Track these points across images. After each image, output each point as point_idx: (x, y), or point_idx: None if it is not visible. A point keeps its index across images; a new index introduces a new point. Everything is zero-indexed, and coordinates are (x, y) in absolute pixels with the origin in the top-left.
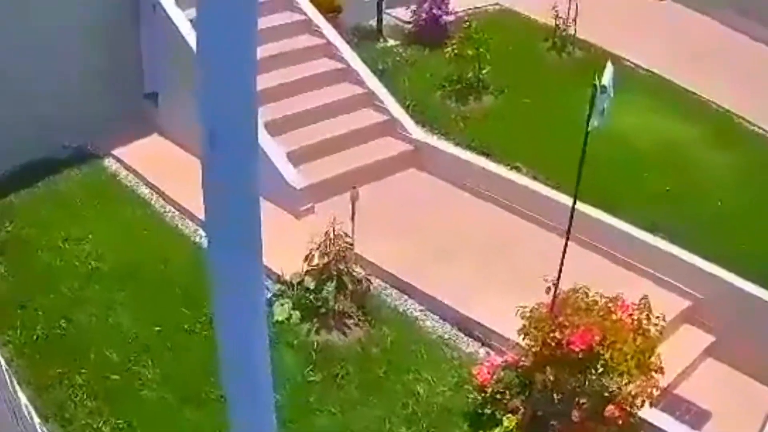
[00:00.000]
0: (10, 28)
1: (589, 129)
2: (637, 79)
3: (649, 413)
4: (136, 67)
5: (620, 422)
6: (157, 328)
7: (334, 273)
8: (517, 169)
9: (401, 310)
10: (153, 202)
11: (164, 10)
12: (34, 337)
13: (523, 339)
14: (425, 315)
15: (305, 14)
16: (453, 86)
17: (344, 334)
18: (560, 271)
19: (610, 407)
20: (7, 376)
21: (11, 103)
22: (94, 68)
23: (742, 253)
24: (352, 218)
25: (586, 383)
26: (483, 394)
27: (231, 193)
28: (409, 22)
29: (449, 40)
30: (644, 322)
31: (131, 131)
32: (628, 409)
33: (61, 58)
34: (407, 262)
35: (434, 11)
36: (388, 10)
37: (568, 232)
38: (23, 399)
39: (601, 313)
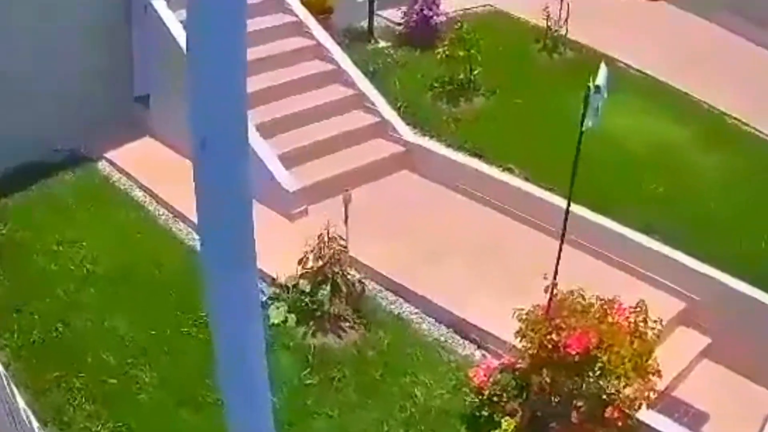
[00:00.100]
0: (2, 32)
1: (583, 129)
2: (629, 80)
3: (647, 415)
4: (127, 70)
5: (619, 424)
6: (153, 332)
7: (329, 276)
8: (510, 171)
9: (396, 312)
10: (146, 205)
11: (155, 12)
12: (31, 340)
13: (520, 341)
14: (420, 317)
15: (296, 16)
16: (444, 87)
17: (340, 337)
18: (555, 273)
19: (609, 409)
20: (4, 380)
21: (2, 106)
22: (86, 71)
23: (737, 254)
24: (346, 221)
25: (584, 386)
26: (480, 397)
27: (223, 196)
28: (400, 24)
29: (440, 42)
30: (641, 325)
31: (123, 134)
32: (626, 411)
33: (52, 60)
34: (401, 264)
35: (425, 12)
36: (379, 12)
37: (563, 233)
38: (21, 403)
39: (597, 316)
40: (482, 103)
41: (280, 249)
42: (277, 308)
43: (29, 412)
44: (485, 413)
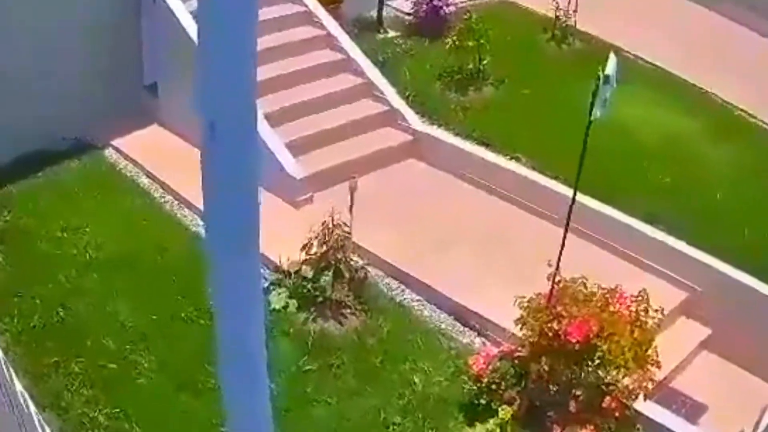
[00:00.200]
0: (9, 17)
1: (592, 119)
2: (637, 71)
3: (645, 406)
4: (136, 58)
5: (616, 414)
6: (154, 317)
7: (332, 262)
8: (517, 160)
9: (398, 299)
10: (152, 192)
11: (164, 1)
12: (32, 325)
13: (521, 329)
14: (422, 305)
15: (306, 5)
16: (453, 77)
17: (341, 323)
18: (559, 261)
19: (607, 399)
20: (3, 365)
21: (10, 93)
22: (94, 59)
23: (741, 245)
24: (351, 208)
25: (582, 375)
26: (479, 385)
27: (230, 183)
28: (409, 14)
29: (449, 32)
30: (642, 314)
31: (131, 122)
32: (624, 401)
33: (61, 49)
34: (405, 252)
35: (434, 2)
36: (388, 2)
37: (567, 223)
38: (19, 387)
39: (599, 305)
40: (491, 93)
41: (284, 235)
42: (279, 294)
43: (27, 397)
44: (483, 401)
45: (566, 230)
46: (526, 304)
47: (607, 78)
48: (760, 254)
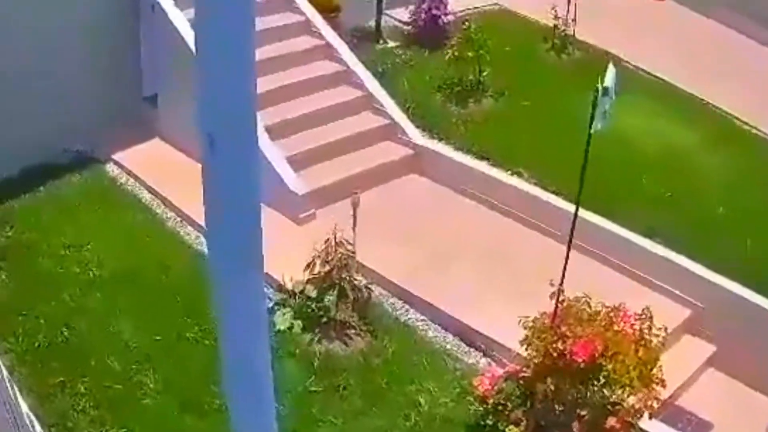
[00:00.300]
0: (7, 30)
1: (592, 131)
2: (637, 81)
3: (650, 425)
4: (136, 70)
5: None
6: (158, 337)
7: (336, 281)
8: (519, 175)
9: (403, 320)
10: (154, 208)
11: (163, 11)
12: (36, 344)
13: (526, 349)
14: (427, 325)
15: (304, 15)
16: (453, 89)
17: (346, 344)
18: (562, 279)
19: (611, 420)
20: (8, 385)
21: (10, 106)
22: (93, 71)
23: (744, 259)
24: (354, 226)
25: (588, 394)
26: (485, 405)
27: (231, 198)
28: (408, 23)
29: (448, 41)
30: (646, 332)
31: (132, 135)
32: (630, 421)
33: (60, 60)
34: (408, 269)
35: (433, 12)
36: (387, 11)
37: (570, 239)
38: (25, 408)
39: (603, 324)
40: (491, 105)
41: (287, 253)
42: (284, 314)
43: (33, 417)
44: (489, 422)
45: (569, 247)
46: (530, 324)
47: (606, 90)
48: (762, 268)
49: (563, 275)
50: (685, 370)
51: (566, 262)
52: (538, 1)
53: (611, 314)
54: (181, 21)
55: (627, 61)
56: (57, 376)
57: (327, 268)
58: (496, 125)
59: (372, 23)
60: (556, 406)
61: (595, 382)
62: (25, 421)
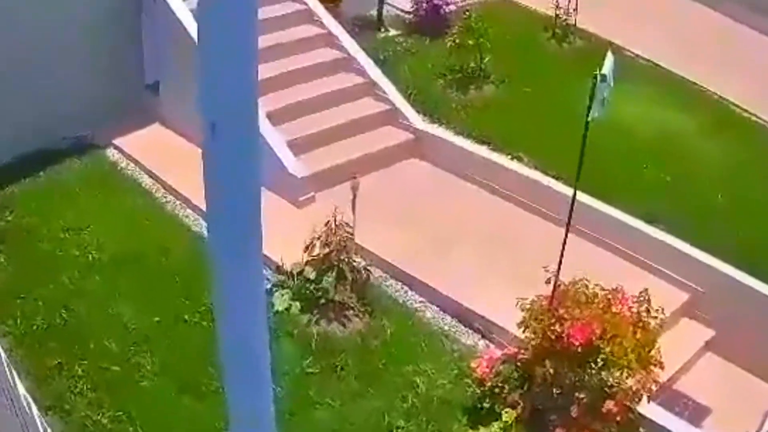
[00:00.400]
0: (11, 17)
1: (589, 119)
2: (637, 69)
3: (648, 409)
4: (137, 57)
5: (618, 419)
6: (157, 319)
7: (335, 263)
8: (519, 159)
9: (401, 301)
10: (154, 192)
11: (165, 0)
12: (34, 327)
13: (523, 332)
14: (425, 306)
15: (306, 4)
16: (454, 76)
17: (344, 325)
18: (560, 262)
19: (609, 403)
20: (5, 367)
21: (12, 93)
22: (95, 58)
23: (743, 245)
24: (353, 208)
25: (586, 377)
26: (482, 388)
27: (232, 183)
28: (409, 12)
29: (450, 30)
30: (644, 315)
31: (132, 121)
32: (628, 404)
33: (62, 48)
34: (408, 252)
35: (435, 1)
36: (388, 0)
37: (568, 223)
38: (22, 390)
39: (601, 306)
40: (492, 92)
41: (286, 236)
42: (282, 295)
43: (30, 400)
44: (487, 404)
45: (567, 231)
46: (528, 307)
47: (603, 77)
48: (760, 253)
49: (561, 259)
50: (683, 354)
51: (564, 246)
52: None
53: (609, 297)
54: (182, 10)
55: (628, 50)
56: (54, 359)
57: (326, 250)
58: (496, 111)
59: (373, 12)
60: (554, 389)
61: (593, 365)
62: (22, 404)
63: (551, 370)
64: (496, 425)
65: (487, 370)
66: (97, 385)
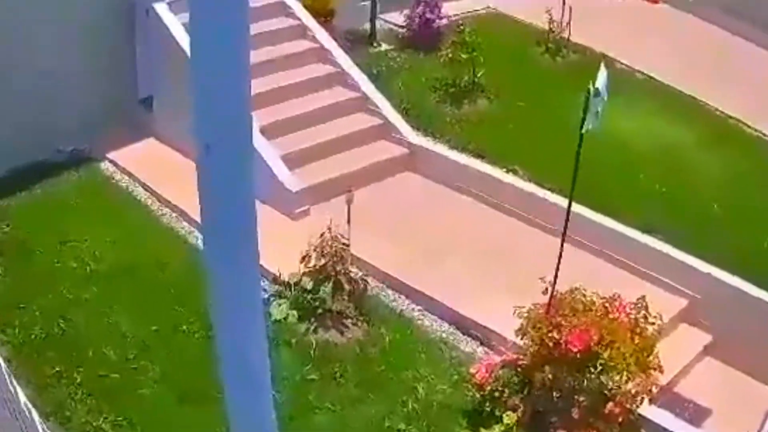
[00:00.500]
0: (4, 33)
1: (583, 131)
2: (631, 82)
3: (648, 410)
4: (131, 72)
5: (620, 420)
6: (154, 328)
7: (331, 273)
8: (514, 172)
9: (399, 310)
10: (149, 205)
11: (157, 15)
12: (33, 336)
13: (521, 339)
14: (423, 314)
15: (299, 19)
16: (447, 90)
17: (342, 334)
18: (557, 271)
19: (610, 405)
20: (6, 376)
21: (6, 106)
22: (89, 72)
23: (739, 254)
24: (348, 220)
25: (585, 382)
26: (482, 392)
27: (227, 198)
28: (402, 27)
29: (443, 44)
30: (641, 321)
31: (127, 135)
32: (628, 406)
33: (57, 62)
34: (403, 263)
35: (427, 15)
36: (381, 15)
37: (564, 232)
38: (22, 398)
39: (598, 313)
40: (485, 106)
41: (282, 248)
42: (279, 305)
43: (30, 407)
44: (487, 408)
45: (563, 241)
46: (525, 315)
47: (597, 91)
48: (758, 262)
49: (557, 267)
50: (682, 358)
51: (560, 255)
52: (532, 5)
53: (606, 304)
54: (175, 25)
55: (622, 63)
56: (54, 367)
57: (322, 260)
58: (490, 125)
59: (366, 27)
60: (554, 393)
61: (592, 370)
62: (22, 410)
63: (550, 376)
64: (497, 428)
65: (487, 375)
66: (97, 392)
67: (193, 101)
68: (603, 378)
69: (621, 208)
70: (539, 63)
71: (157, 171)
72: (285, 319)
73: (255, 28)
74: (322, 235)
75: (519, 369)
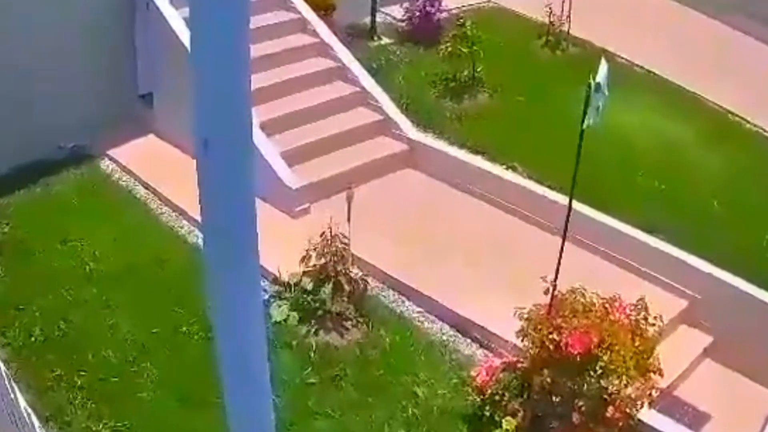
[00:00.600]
0: (3, 29)
1: (584, 126)
2: (632, 77)
3: (648, 415)
4: (131, 68)
5: (620, 424)
6: (155, 330)
7: (332, 274)
8: (514, 169)
9: (399, 311)
10: (149, 203)
11: (157, 9)
12: (33, 338)
13: (522, 341)
14: (423, 316)
15: (299, 13)
16: (448, 85)
17: (342, 335)
18: (557, 271)
19: (610, 409)
20: (5, 379)
21: (6, 104)
22: (89, 69)
23: (740, 253)
24: (348, 218)
25: (585, 386)
26: (482, 396)
27: (226, 196)
28: (402, 21)
29: (443, 38)
30: (642, 322)
31: (127, 132)
32: (628, 411)
33: (56, 59)
34: (404, 262)
35: (427, 9)
36: (381, 9)
37: (565, 232)
38: (22, 401)
39: (598, 315)
40: (485, 100)
41: (282, 247)
42: (279, 306)
43: (30, 411)
44: (487, 413)
45: (564, 239)
46: (526, 316)
47: (597, 86)
48: (759, 261)
49: (558, 267)
50: (682, 360)
51: (561, 255)
52: None
53: (607, 305)
54: (175, 19)
55: (622, 57)
56: (54, 370)
57: (323, 260)
58: (490, 120)
59: (366, 20)
60: (554, 398)
61: (592, 373)
62: (22, 414)
63: (549, 379)
64: None
65: (487, 378)
66: (97, 396)
67: (193, 96)
68: (603, 382)
69: (620, 205)
70: (539, 57)
71: (157, 169)
72: (285, 320)
73: (255, 22)
74: (322, 234)
75: (519, 372)
